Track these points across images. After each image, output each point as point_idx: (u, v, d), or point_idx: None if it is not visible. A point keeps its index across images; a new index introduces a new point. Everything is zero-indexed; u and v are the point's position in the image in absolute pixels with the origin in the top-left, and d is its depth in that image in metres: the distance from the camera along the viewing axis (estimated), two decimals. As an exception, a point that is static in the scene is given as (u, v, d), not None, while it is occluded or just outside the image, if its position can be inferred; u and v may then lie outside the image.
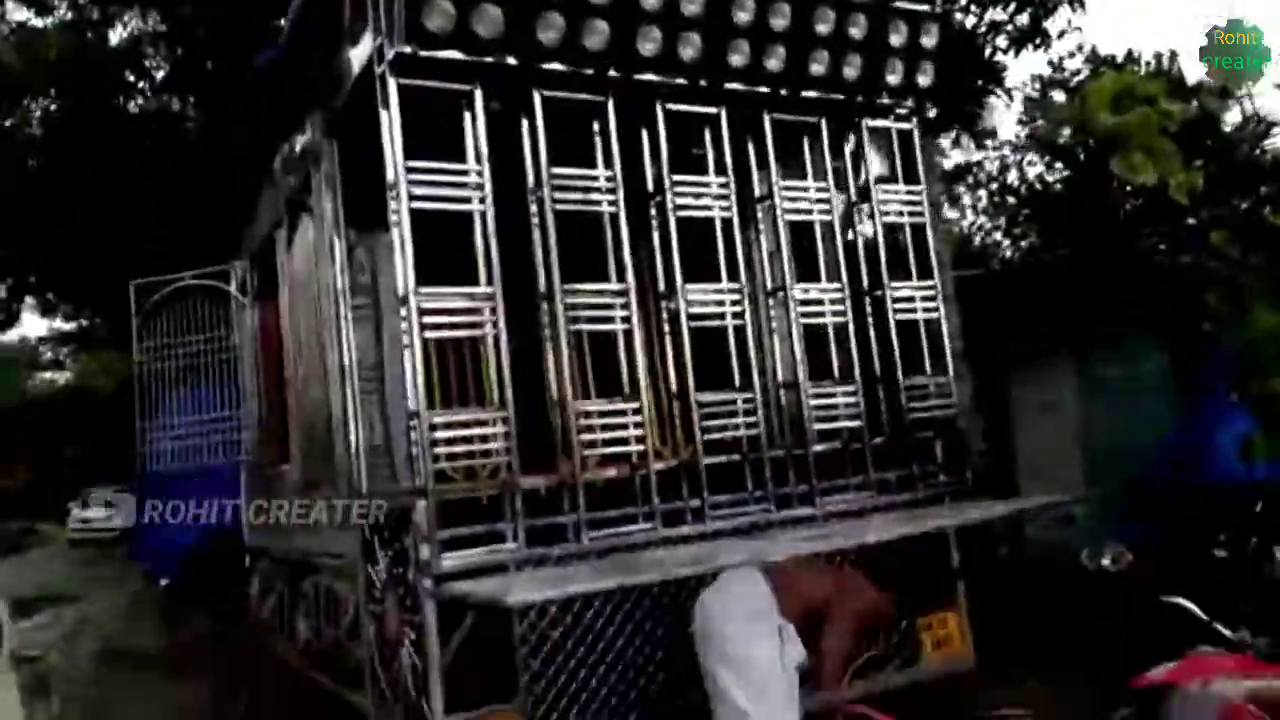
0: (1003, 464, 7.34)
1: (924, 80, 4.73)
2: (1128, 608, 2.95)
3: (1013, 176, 13.40)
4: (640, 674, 3.87)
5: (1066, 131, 7.92)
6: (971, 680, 4.57)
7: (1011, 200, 13.61)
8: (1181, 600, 2.57)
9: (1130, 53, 13.05)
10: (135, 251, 10.91)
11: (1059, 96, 14.03)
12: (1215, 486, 5.10)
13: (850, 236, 4.87)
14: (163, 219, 10.92)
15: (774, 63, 4.39)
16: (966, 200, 15.63)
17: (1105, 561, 2.99)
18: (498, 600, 2.95)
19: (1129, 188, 6.96)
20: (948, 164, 14.87)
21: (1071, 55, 13.27)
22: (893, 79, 4.67)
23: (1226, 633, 2.50)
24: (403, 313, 3.76)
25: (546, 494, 3.94)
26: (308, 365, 5.37)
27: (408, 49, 3.74)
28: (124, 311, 6.89)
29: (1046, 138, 8.19)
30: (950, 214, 15.43)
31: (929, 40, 4.66)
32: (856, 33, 4.49)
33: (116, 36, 12.51)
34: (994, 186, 14.61)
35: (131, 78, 12.31)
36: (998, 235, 14.00)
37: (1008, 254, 13.17)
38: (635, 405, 4.04)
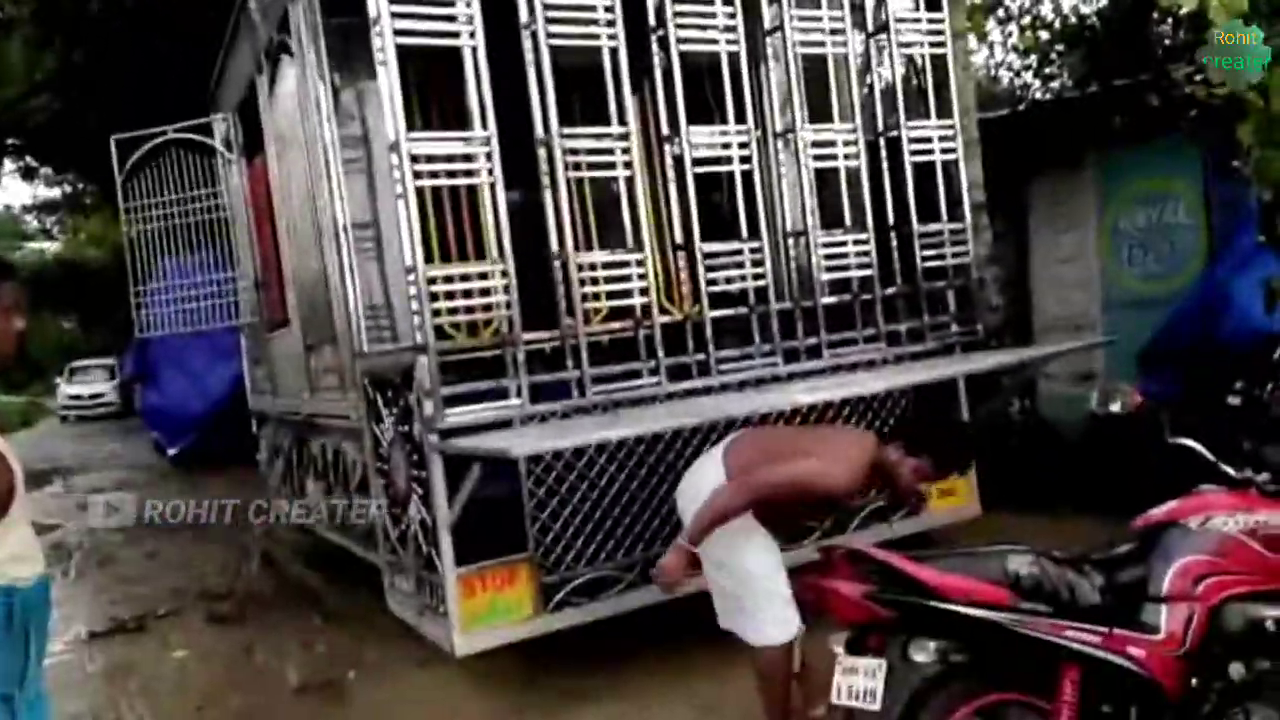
0: (1021, 318, 7.35)
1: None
2: (1135, 449, 3.00)
3: (1046, 8, 12.72)
4: (645, 526, 4.01)
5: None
6: (977, 527, 4.73)
7: (1045, 35, 13.00)
8: (1188, 441, 2.62)
9: None
10: (115, 107, 10.65)
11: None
12: (1239, 337, 5.10)
13: (867, 73, 4.71)
14: (140, 68, 10.57)
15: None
16: (996, 36, 14.89)
17: (1114, 406, 3.01)
18: (503, 452, 3.03)
19: (1170, 18, 6.64)
20: (977, -2, 14.12)
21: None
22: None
23: (1231, 472, 2.56)
24: (393, 160, 3.69)
25: (550, 350, 3.98)
26: (300, 223, 5.33)
27: None
28: (109, 175, 6.77)
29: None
30: (978, 53, 14.77)
31: None
32: None
33: None
34: (1026, 20, 13.89)
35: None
36: (1028, 76, 13.44)
37: (1038, 96, 12.69)
38: (639, 257, 4.02)
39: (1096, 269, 6.98)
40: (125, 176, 6.57)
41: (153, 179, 6.63)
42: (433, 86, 4.62)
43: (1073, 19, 11.20)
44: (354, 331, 4.47)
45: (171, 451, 12.45)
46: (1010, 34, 14.59)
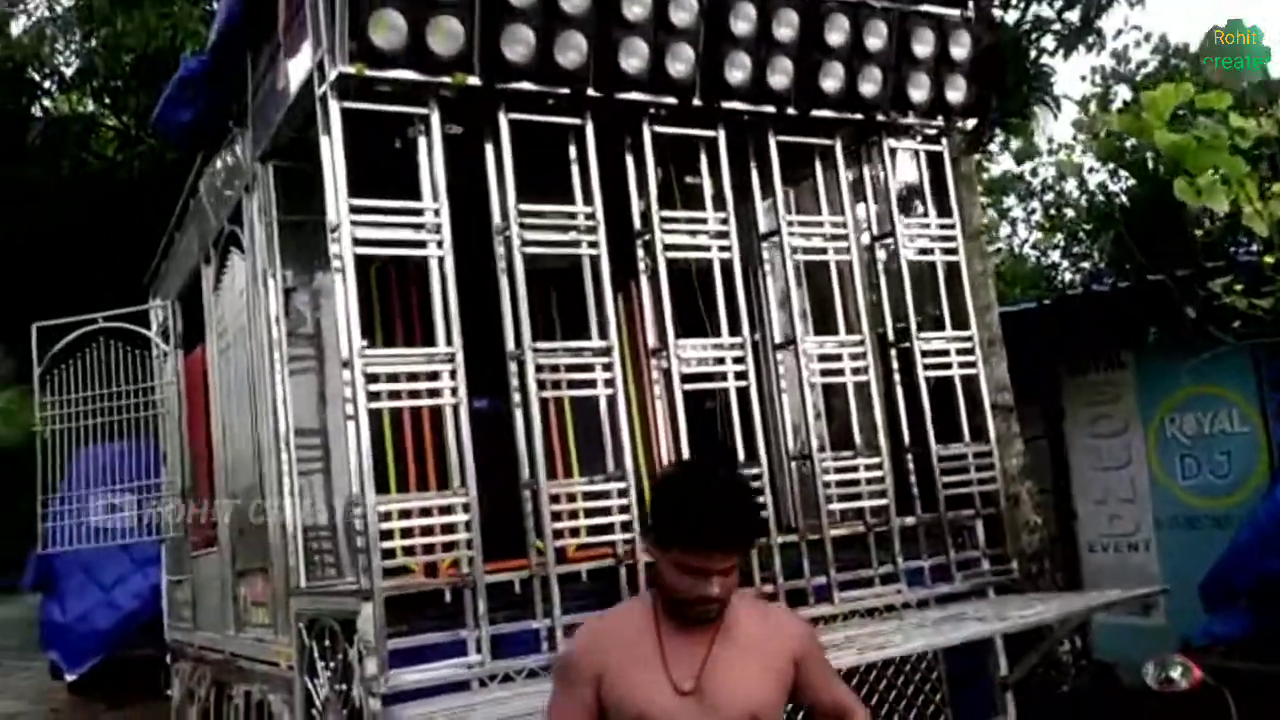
0: (1064, 533, 7.34)
1: (955, 96, 4.79)
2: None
3: (1070, 185, 13.48)
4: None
5: (1129, 141, 7.98)
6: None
7: (1070, 214, 13.71)
8: None
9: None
10: (41, 281, 10.99)
11: (1123, 91, 14.20)
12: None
13: (872, 278, 4.91)
14: (74, 246, 10.98)
15: (780, 78, 4.44)
16: (1018, 213, 15.69)
17: (1175, 674, 2.97)
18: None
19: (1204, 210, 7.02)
20: (996, 170, 14.97)
21: (1138, 45, 13.43)
22: (918, 95, 4.73)
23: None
24: (345, 377, 3.77)
25: (520, 589, 3.94)
26: (238, 428, 5.38)
27: (351, 69, 3.79)
28: (27, 349, 6.90)
29: (1108, 148, 8.25)
30: (999, 228, 15.50)
31: (960, 50, 4.72)
32: (875, 42, 4.55)
33: (19, 27, 12.70)
34: (1049, 197, 14.69)
35: (36, 76, 12.46)
36: (1055, 254, 14.07)
37: (1067, 276, 13.23)
38: (621, 485, 4.05)
39: (1145, 480, 7.04)
40: (45, 368, 6.68)
41: (77, 369, 6.75)
42: (394, 292, 4.79)
43: (1100, 196, 11.85)
44: (290, 560, 4.43)
45: (71, 677, 11.96)
46: (1033, 210, 15.44)
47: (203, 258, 5.96)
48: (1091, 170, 12.26)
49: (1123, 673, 6.11)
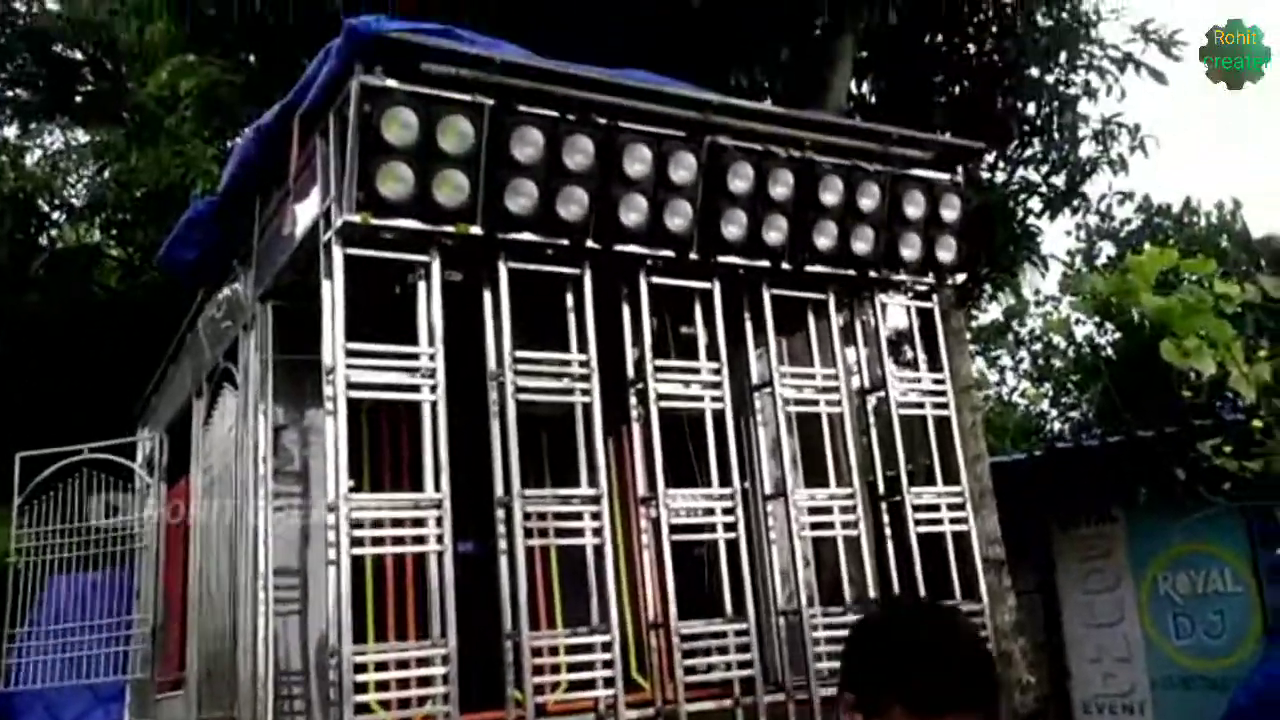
0: (1058, 691, 7.17)
1: (945, 255, 4.91)
2: None
3: (1058, 338, 13.70)
4: None
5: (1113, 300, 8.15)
6: None
7: (1058, 364, 13.92)
8: None
9: (1188, 202, 13.67)
10: (31, 407, 10.95)
11: (1107, 248, 14.60)
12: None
13: (863, 426, 4.93)
14: (68, 375, 11.00)
15: (774, 234, 4.56)
16: (1007, 360, 15.91)
17: None
18: None
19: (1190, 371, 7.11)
20: (985, 318, 15.26)
21: (1121, 203, 13.87)
22: (909, 253, 4.85)
23: None
24: (329, 521, 3.73)
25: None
26: (217, 565, 5.29)
27: (357, 218, 3.88)
28: (7, 476, 6.82)
29: (1094, 305, 8.43)
30: (988, 378, 15.67)
31: (950, 212, 4.87)
32: (868, 203, 4.69)
33: (32, 159, 13.06)
34: (1038, 347, 14.92)
35: (46, 206, 12.74)
36: (1044, 404, 14.19)
37: (1056, 425, 13.32)
38: (605, 638, 3.96)
39: (1139, 638, 6.94)
40: (25, 498, 6.60)
41: (57, 499, 6.66)
42: (385, 434, 4.79)
43: (1087, 349, 12.04)
44: (259, 706, 4.28)
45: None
46: (1022, 359, 15.68)
47: (195, 391, 5.97)
48: (1079, 322, 12.49)
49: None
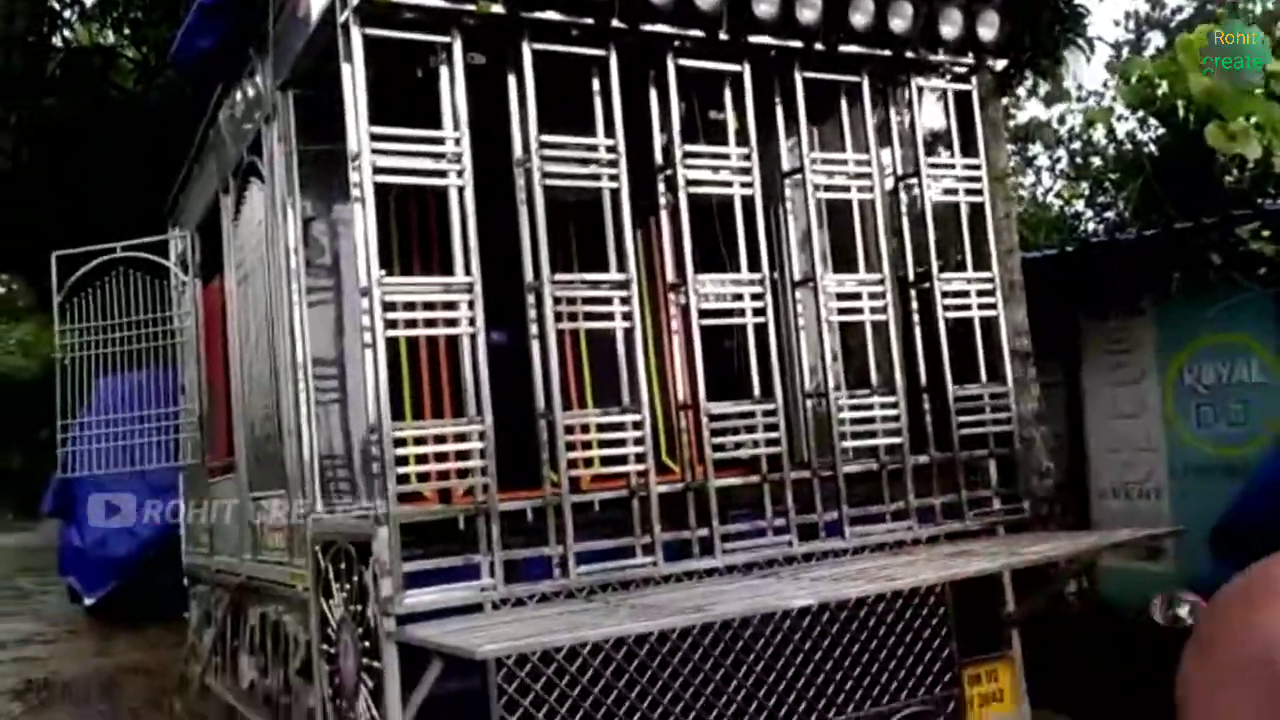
0: (1075, 480, 7.37)
1: (986, 32, 4.72)
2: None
3: (1099, 134, 13.27)
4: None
5: (1161, 87, 7.86)
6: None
7: (1097, 162, 13.51)
8: None
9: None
10: (61, 212, 11.04)
11: (1156, 38, 13.91)
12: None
13: (895, 220, 4.89)
14: (94, 178, 11.01)
15: (808, 13, 4.39)
16: (1043, 160, 15.50)
17: (1182, 612, 3.00)
18: (465, 651, 3.01)
19: (1235, 157, 6.94)
20: (1023, 117, 14.75)
21: (1173, -11, 13.14)
22: (949, 31, 4.66)
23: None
24: (363, 305, 3.81)
25: (533, 519, 4.01)
26: (257, 357, 5.45)
27: (374, -5, 3.76)
28: (48, 280, 6.96)
29: (1138, 95, 8.13)
30: (1023, 176, 15.33)
31: (993, -15, 4.65)
32: (907, -24, 4.48)
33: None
34: (1076, 145, 14.48)
35: (57, 5, 12.40)
36: (1080, 204, 13.90)
37: (1090, 226, 13.09)
38: (636, 418, 4.09)
39: (1161, 429, 7.04)
40: (64, 296, 6.74)
41: (96, 298, 6.81)
42: (413, 222, 4.80)
43: (1128, 145, 11.68)
44: (307, 486, 4.50)
45: (89, 601, 12.24)
46: (1059, 159, 15.23)
47: (221, 188, 5.98)
48: (1120, 118, 12.05)
49: (1127, 616, 6.17)
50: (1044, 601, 5.09)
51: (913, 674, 4.46)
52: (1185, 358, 6.89)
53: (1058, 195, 14.78)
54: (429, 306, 3.89)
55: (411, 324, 3.91)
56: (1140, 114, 11.44)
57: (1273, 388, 6.44)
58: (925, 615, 4.49)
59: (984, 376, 4.81)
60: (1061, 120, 14.53)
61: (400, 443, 3.72)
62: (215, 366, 6.49)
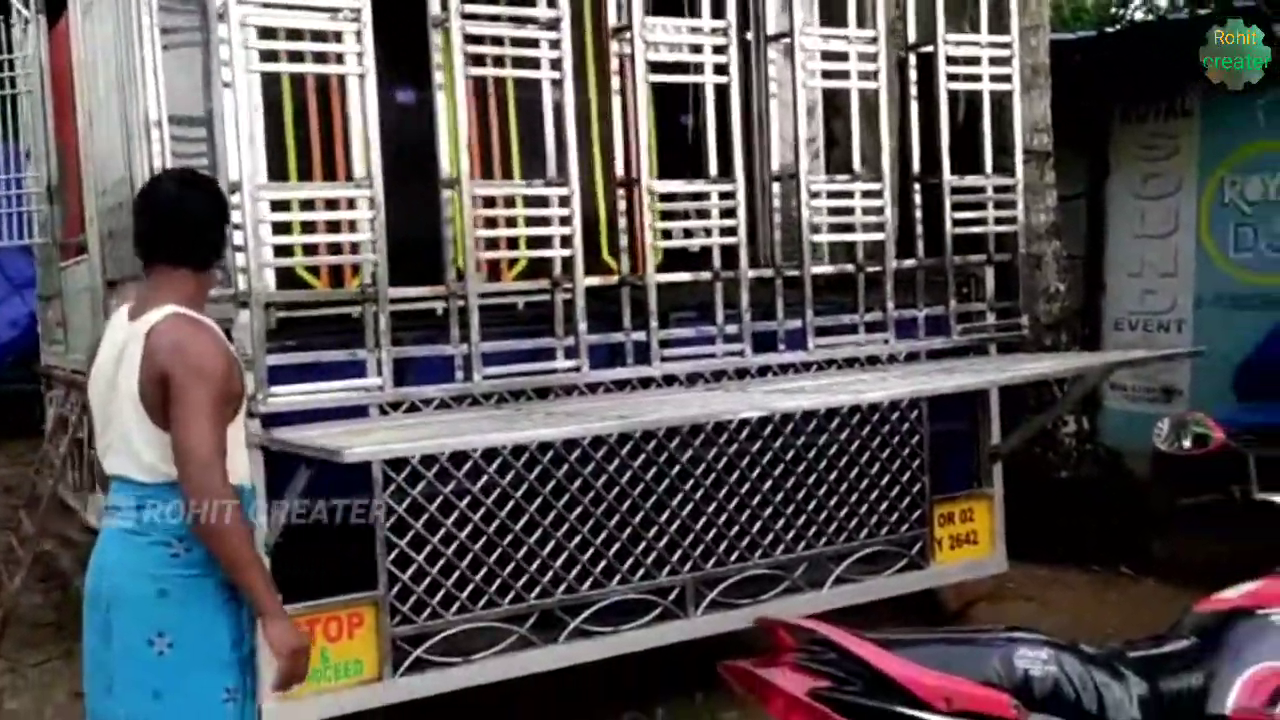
0: (1089, 308, 7.29)
1: None
2: (1211, 505, 2.92)
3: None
4: (546, 563, 3.89)
5: None
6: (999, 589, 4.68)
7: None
8: None
9: None
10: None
11: None
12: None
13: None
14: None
15: None
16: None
17: (1186, 443, 2.94)
18: (330, 453, 2.85)
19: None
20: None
21: None
22: None
23: (1335, 549, 2.48)
24: (221, 34, 3.49)
25: (442, 313, 3.82)
26: (106, 112, 5.08)
27: None
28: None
29: None
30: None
31: None
32: None
33: None
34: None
35: None
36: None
37: (1139, 15, 12.68)
38: (563, 191, 3.84)
39: (1191, 250, 6.92)
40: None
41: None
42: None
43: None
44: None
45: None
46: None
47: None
48: None
49: (1132, 463, 6.20)
50: (1037, 444, 5.07)
51: (875, 510, 4.44)
52: (1228, 169, 6.70)
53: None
54: (304, 36, 3.56)
55: (280, 57, 3.59)
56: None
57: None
58: (895, 442, 4.43)
59: (989, 169, 4.59)
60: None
61: (269, 206, 3.47)
62: (65, 125, 6.10)
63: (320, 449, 2.96)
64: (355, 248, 3.59)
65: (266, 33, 3.50)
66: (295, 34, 3.56)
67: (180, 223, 2.72)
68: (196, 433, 2.49)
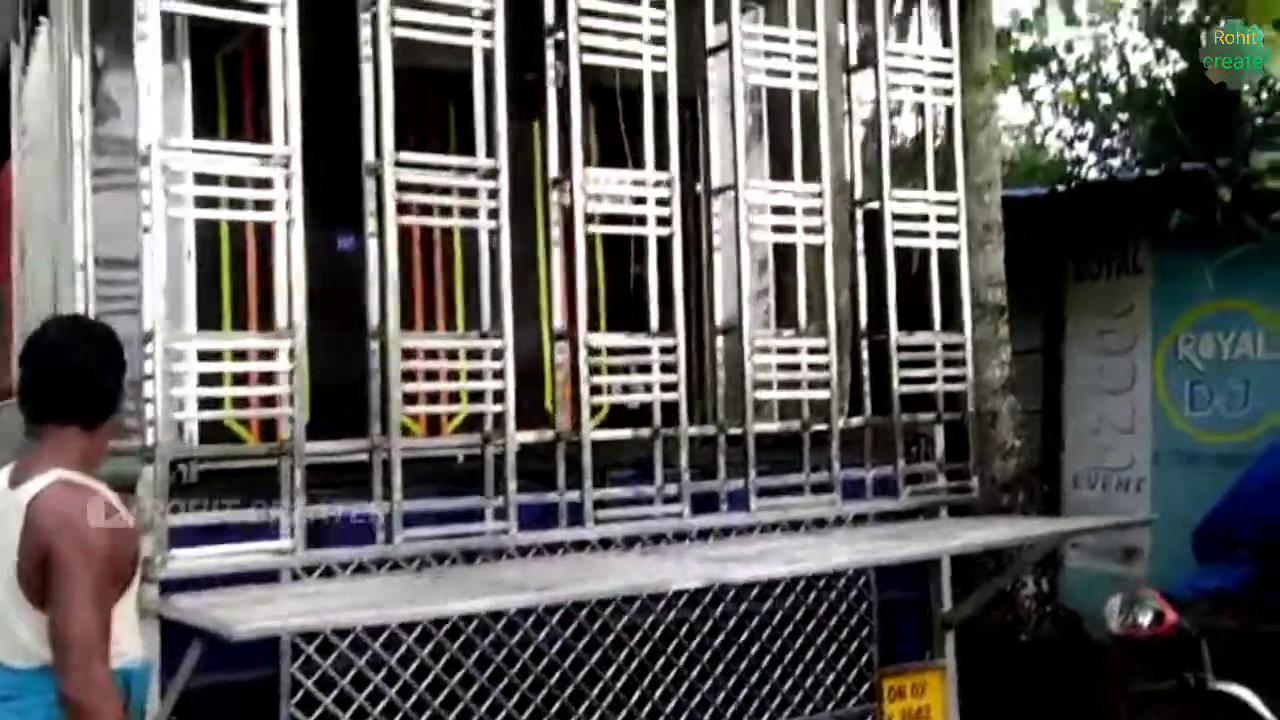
0: (1047, 464, 7.21)
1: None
2: (1163, 691, 2.78)
3: (1110, 65, 13.08)
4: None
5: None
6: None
7: (1107, 99, 13.32)
8: (1235, 689, 2.41)
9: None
10: None
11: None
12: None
13: (842, 122, 4.57)
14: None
15: None
16: (1045, 95, 15.27)
17: (1142, 619, 2.83)
18: (220, 628, 2.64)
19: (1262, 94, 6.75)
20: (1025, 43, 14.49)
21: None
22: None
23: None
24: (144, 176, 3.41)
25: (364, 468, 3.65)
26: (39, 256, 4.99)
27: None
28: None
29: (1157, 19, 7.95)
30: (1015, 112, 15.14)
31: None
32: None
33: None
34: (1083, 79, 14.27)
35: None
36: (1082, 148, 13.75)
37: (1093, 174, 12.94)
38: (497, 344, 3.73)
39: (1148, 408, 6.90)
40: None
41: None
42: (249, 89, 4.40)
43: (1142, 81, 11.48)
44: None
45: None
46: (1063, 90, 14.97)
47: (11, 31, 5.44)
48: (1136, 49, 11.86)
49: (1092, 626, 6.03)
50: (995, 607, 4.91)
51: (821, 683, 4.24)
52: (1184, 326, 6.73)
53: (1058, 136, 14.61)
54: (232, 183, 3.48)
55: (209, 203, 3.51)
56: (1159, 45, 11.26)
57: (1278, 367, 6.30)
58: (842, 610, 4.25)
59: (938, 326, 4.54)
60: (1069, 48, 14.29)
61: (178, 356, 3.33)
62: (5, 267, 6.00)
63: (212, 620, 2.75)
64: (272, 400, 3.46)
65: (203, 178, 3.44)
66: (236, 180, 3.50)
67: (66, 375, 2.58)
68: (79, 621, 2.33)
